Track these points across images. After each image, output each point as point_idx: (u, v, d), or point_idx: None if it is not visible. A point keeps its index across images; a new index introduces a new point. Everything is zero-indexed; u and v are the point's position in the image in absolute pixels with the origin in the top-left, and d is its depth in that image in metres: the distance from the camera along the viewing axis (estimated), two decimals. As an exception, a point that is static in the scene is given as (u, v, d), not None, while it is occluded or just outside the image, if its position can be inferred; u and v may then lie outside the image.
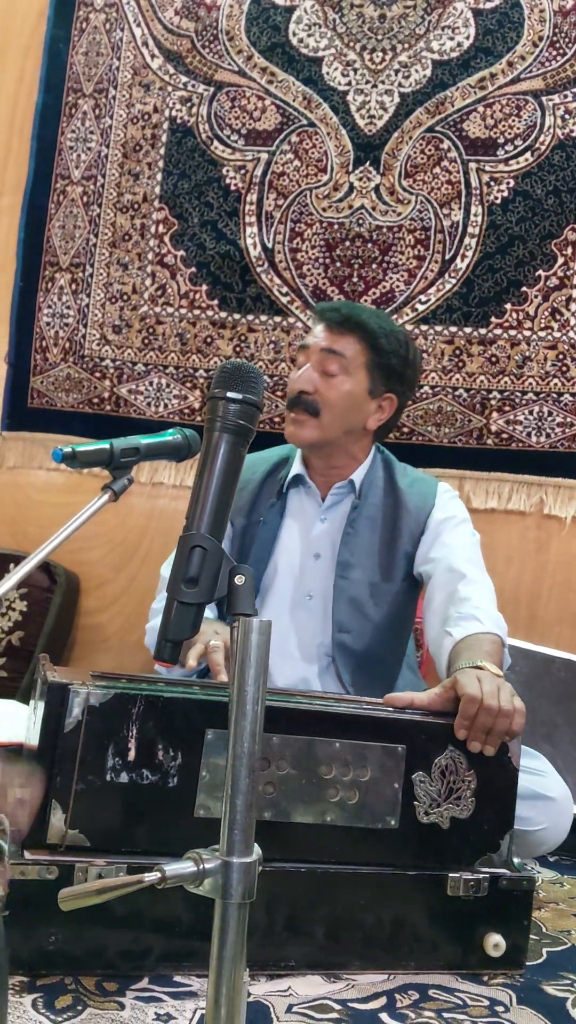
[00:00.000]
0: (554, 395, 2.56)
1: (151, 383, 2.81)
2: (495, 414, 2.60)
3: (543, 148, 2.61)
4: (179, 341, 2.80)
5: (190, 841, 0.89)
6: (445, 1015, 1.21)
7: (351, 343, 1.84)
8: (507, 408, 2.59)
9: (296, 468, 1.94)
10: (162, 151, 2.85)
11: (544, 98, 2.63)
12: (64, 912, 0.91)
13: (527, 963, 1.39)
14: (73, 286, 2.89)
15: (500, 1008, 1.25)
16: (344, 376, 1.83)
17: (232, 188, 2.80)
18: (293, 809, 1.29)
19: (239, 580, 0.94)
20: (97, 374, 2.85)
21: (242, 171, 2.79)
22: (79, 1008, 1.13)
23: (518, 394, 2.59)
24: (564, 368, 2.56)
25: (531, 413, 2.57)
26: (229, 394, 0.94)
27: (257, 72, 2.80)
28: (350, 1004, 1.22)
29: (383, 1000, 1.24)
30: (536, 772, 1.58)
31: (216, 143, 2.81)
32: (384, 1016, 1.20)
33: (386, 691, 1.89)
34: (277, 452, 2.01)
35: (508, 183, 2.63)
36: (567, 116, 2.61)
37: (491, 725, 1.36)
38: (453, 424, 2.62)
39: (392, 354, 1.86)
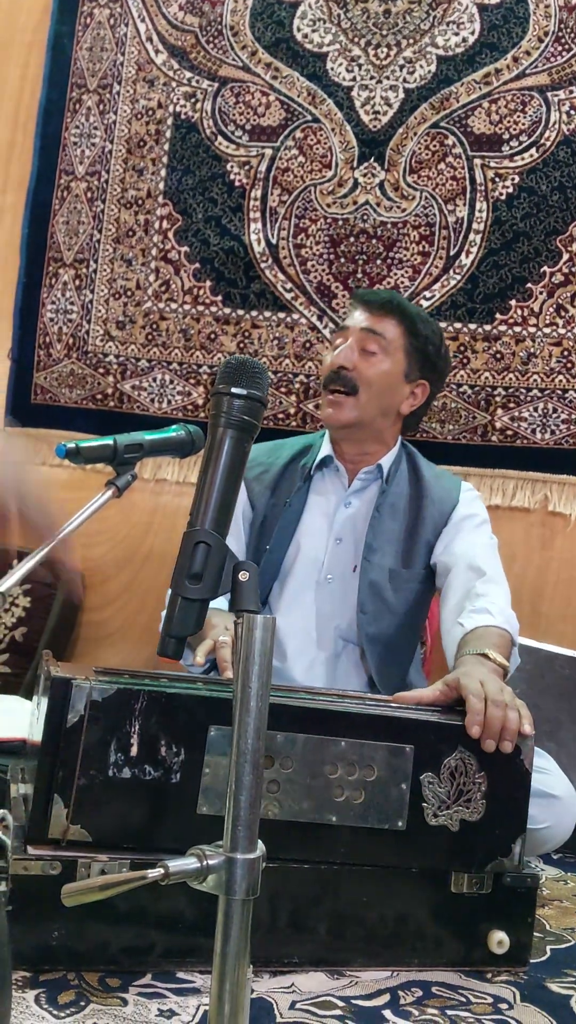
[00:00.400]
0: (559, 392, 2.56)
1: (155, 379, 2.81)
2: (500, 411, 2.59)
3: (548, 144, 2.61)
4: (183, 337, 2.80)
5: (193, 837, 0.89)
6: (448, 1012, 1.21)
7: (391, 325, 1.89)
8: (512, 405, 2.58)
9: (324, 450, 1.96)
10: (166, 147, 2.85)
11: (549, 93, 2.62)
12: (67, 908, 0.91)
13: (531, 960, 1.38)
14: (77, 282, 2.89)
15: (504, 1006, 1.25)
16: (383, 355, 1.88)
17: (236, 184, 2.79)
18: (297, 808, 1.29)
19: (243, 576, 0.94)
20: (101, 370, 2.85)
21: (246, 167, 2.79)
22: (82, 1004, 1.13)
23: (523, 391, 2.58)
24: (569, 365, 2.56)
25: (536, 410, 2.57)
26: (233, 390, 0.94)
27: (261, 67, 2.79)
28: (353, 1001, 1.22)
29: (386, 997, 1.24)
30: (540, 770, 1.58)
31: (220, 139, 2.81)
32: (387, 1013, 1.20)
33: (396, 683, 1.90)
34: (301, 440, 2.04)
35: (513, 179, 2.63)
36: (573, 112, 2.60)
37: (503, 717, 1.35)
38: (457, 421, 2.61)
39: (428, 341, 1.91)
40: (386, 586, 1.86)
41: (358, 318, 1.91)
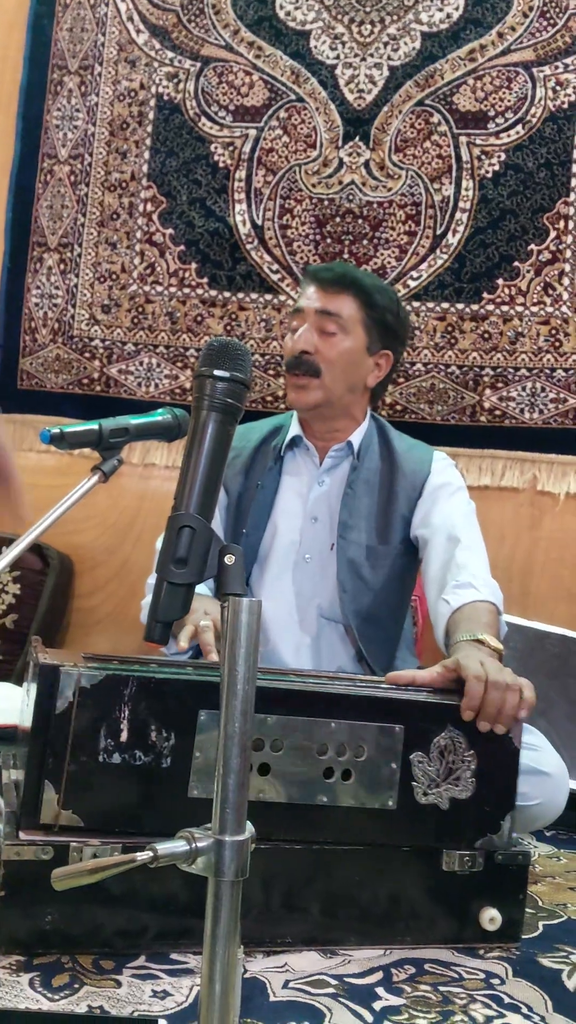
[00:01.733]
0: (547, 371, 2.55)
1: (141, 363, 2.80)
2: (488, 391, 2.59)
3: (534, 120, 2.59)
4: (169, 320, 2.78)
5: (184, 821, 0.89)
6: (441, 989, 1.22)
7: (347, 302, 1.86)
8: (500, 385, 2.58)
9: (293, 430, 1.95)
10: (149, 129, 2.82)
11: (535, 69, 2.60)
12: (60, 892, 0.91)
13: (523, 936, 1.39)
14: (61, 266, 2.87)
15: (496, 981, 1.26)
16: (343, 334, 1.85)
17: (220, 165, 2.77)
18: (288, 790, 1.29)
19: (229, 560, 0.94)
20: (87, 355, 2.84)
21: (230, 148, 2.77)
22: (76, 986, 1.14)
23: (511, 370, 2.58)
24: (557, 343, 2.55)
25: (524, 389, 2.57)
26: (216, 372, 0.93)
27: (244, 47, 2.77)
28: (346, 979, 1.23)
29: (379, 975, 1.25)
30: (531, 747, 1.59)
31: (204, 120, 2.78)
32: (380, 990, 1.20)
33: (384, 659, 1.90)
34: (270, 421, 2.02)
35: (499, 156, 2.61)
36: (558, 88, 2.58)
37: (501, 702, 1.35)
38: (446, 401, 2.61)
39: (387, 310, 1.89)
40: (363, 563, 1.86)
41: (312, 297, 1.87)
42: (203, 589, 1.77)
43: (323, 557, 1.88)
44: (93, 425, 1.31)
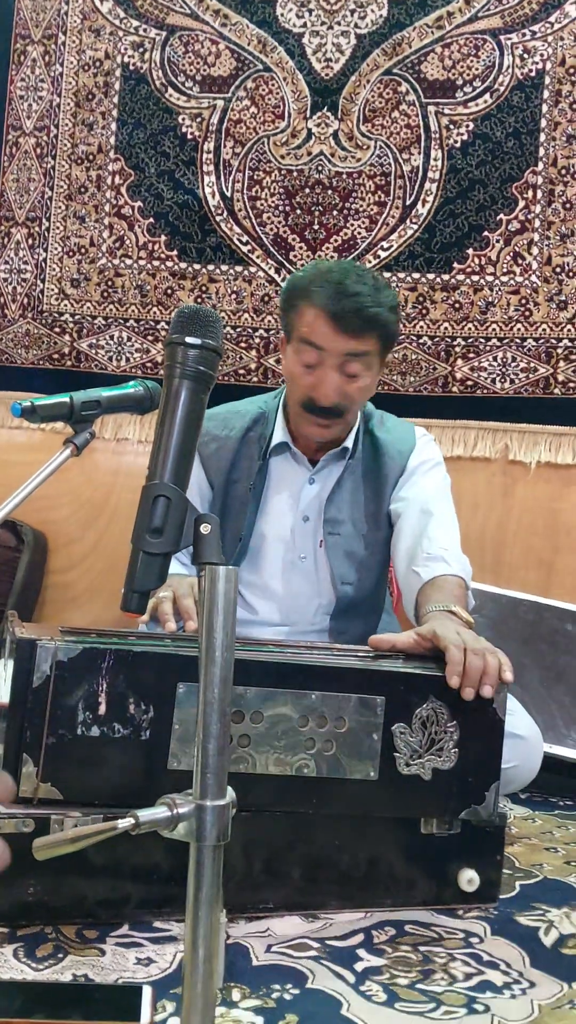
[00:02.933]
0: (517, 340, 2.56)
1: (112, 337, 2.78)
2: (460, 361, 2.60)
3: (502, 89, 2.58)
4: (139, 293, 2.76)
5: (164, 792, 0.89)
6: (421, 949, 1.24)
7: (371, 342, 1.74)
8: (471, 355, 2.59)
9: (279, 436, 1.88)
10: (115, 100, 2.78)
11: (502, 37, 2.59)
12: (42, 863, 0.91)
13: (501, 896, 1.42)
14: (30, 240, 2.83)
15: (475, 940, 1.28)
16: (366, 372, 1.76)
17: (188, 137, 2.74)
18: (269, 761, 1.30)
19: (204, 529, 0.94)
20: (57, 329, 2.81)
21: (198, 119, 2.74)
22: (60, 956, 1.15)
23: (482, 340, 2.59)
24: (527, 313, 2.56)
25: (495, 359, 2.58)
26: (188, 339, 0.92)
27: (210, 15, 2.73)
28: (328, 942, 1.24)
29: (360, 937, 1.27)
30: (506, 711, 1.61)
31: (170, 90, 2.75)
32: (362, 952, 1.22)
33: (370, 634, 1.91)
34: (252, 408, 1.95)
35: (467, 126, 2.61)
36: (526, 55, 2.58)
37: (483, 665, 1.36)
38: (418, 372, 2.61)
39: (397, 333, 1.84)
40: (362, 551, 1.87)
41: (335, 340, 1.71)
42: (183, 569, 1.77)
43: (318, 555, 1.88)
44: (64, 398, 1.30)
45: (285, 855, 1.33)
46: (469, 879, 1.38)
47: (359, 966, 1.18)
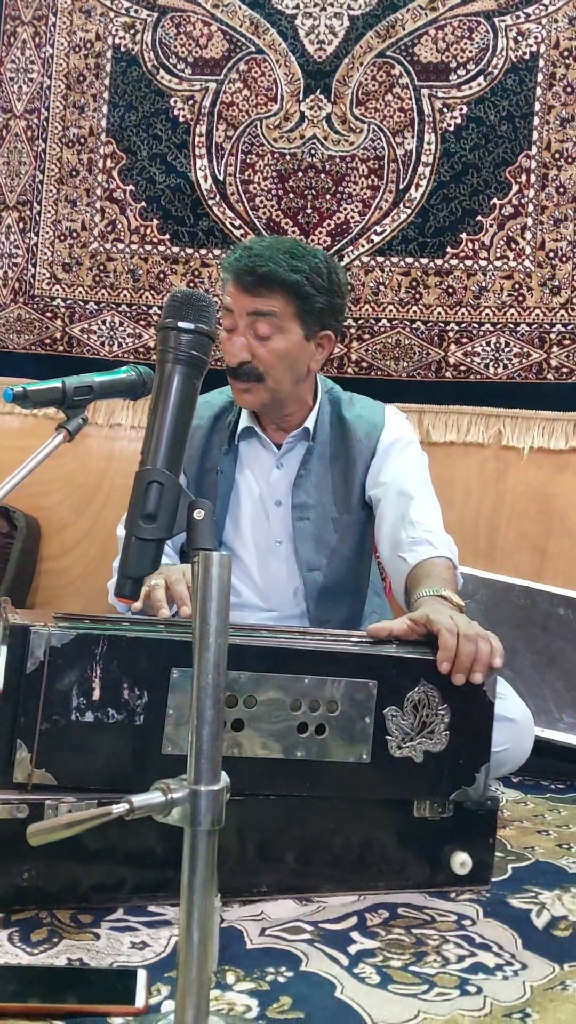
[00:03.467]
0: (511, 325, 2.56)
1: (104, 322, 2.76)
2: (453, 346, 2.59)
3: (496, 72, 2.57)
4: (131, 278, 2.75)
5: (158, 777, 0.90)
6: (414, 931, 1.25)
7: (274, 300, 1.73)
8: (464, 340, 2.59)
9: (245, 420, 1.90)
10: (107, 82, 2.76)
11: (496, 19, 2.57)
12: (37, 849, 0.92)
13: (493, 879, 1.43)
14: (21, 224, 2.81)
15: (467, 922, 1.29)
16: (278, 335, 1.75)
17: (180, 119, 2.72)
18: (263, 745, 1.30)
19: (198, 515, 0.94)
20: (48, 314, 2.80)
21: (190, 102, 2.72)
22: (55, 940, 1.15)
23: (475, 325, 2.58)
24: (520, 298, 2.56)
25: (488, 344, 2.57)
26: (180, 324, 0.92)
27: (202, -4, 2.71)
28: (322, 925, 1.25)
29: (354, 920, 1.28)
30: (498, 695, 1.61)
31: (162, 72, 2.73)
32: (355, 935, 1.23)
33: (355, 620, 1.92)
34: (220, 397, 1.96)
35: (461, 109, 2.59)
36: (520, 38, 2.56)
37: (475, 651, 1.37)
38: (411, 358, 2.61)
39: (318, 294, 1.76)
40: (331, 536, 1.87)
41: (240, 300, 1.75)
42: (166, 559, 1.77)
43: (291, 540, 1.88)
44: (56, 383, 1.30)
45: (279, 839, 1.33)
46: (462, 862, 1.39)
47: (352, 949, 1.19)
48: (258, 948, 1.17)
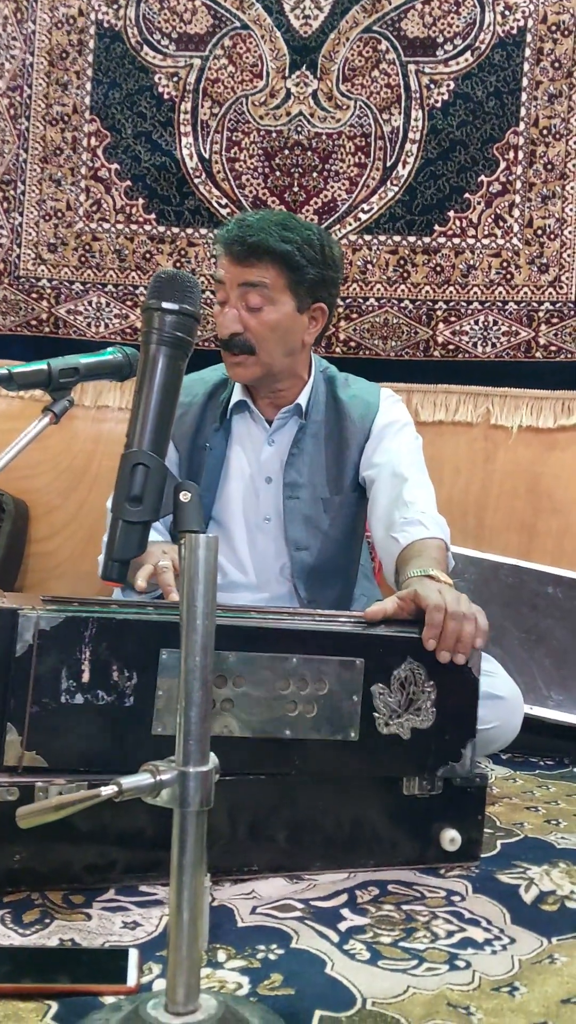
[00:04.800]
0: (499, 304, 2.55)
1: (90, 303, 2.74)
2: (441, 325, 2.58)
3: (483, 47, 2.55)
4: (117, 258, 2.73)
5: (148, 758, 0.90)
6: (404, 907, 1.26)
7: (265, 270, 1.74)
8: (453, 319, 2.58)
9: (238, 395, 1.90)
10: (90, 58, 2.73)
11: (483, -6, 2.55)
12: (28, 831, 0.92)
13: (482, 855, 1.44)
14: (5, 204, 2.79)
15: (457, 898, 1.30)
16: (269, 306, 1.75)
17: (165, 97, 2.70)
18: (252, 725, 1.31)
19: (184, 497, 0.94)
20: (34, 295, 2.77)
21: (175, 78, 2.69)
22: (47, 921, 1.16)
23: (463, 304, 2.57)
24: (508, 276, 2.55)
25: (476, 323, 2.57)
26: (165, 305, 0.92)
27: (185, -30, 2.68)
28: (312, 903, 1.26)
29: (344, 897, 1.29)
30: (487, 673, 1.62)
31: (146, 48, 2.70)
32: (346, 911, 1.24)
33: (345, 602, 1.92)
34: (214, 375, 1.96)
35: (448, 85, 2.57)
36: (507, 12, 2.54)
37: (459, 631, 1.38)
38: (399, 337, 2.60)
39: (309, 265, 1.76)
40: (321, 516, 1.86)
41: (231, 271, 1.76)
42: (158, 536, 1.77)
43: (281, 517, 1.88)
44: (42, 365, 1.29)
45: (269, 818, 1.34)
46: (451, 839, 1.40)
47: (343, 926, 1.19)
48: (249, 926, 1.18)
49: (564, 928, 1.21)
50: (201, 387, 1.94)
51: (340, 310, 2.61)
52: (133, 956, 1.05)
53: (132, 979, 1.01)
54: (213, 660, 0.90)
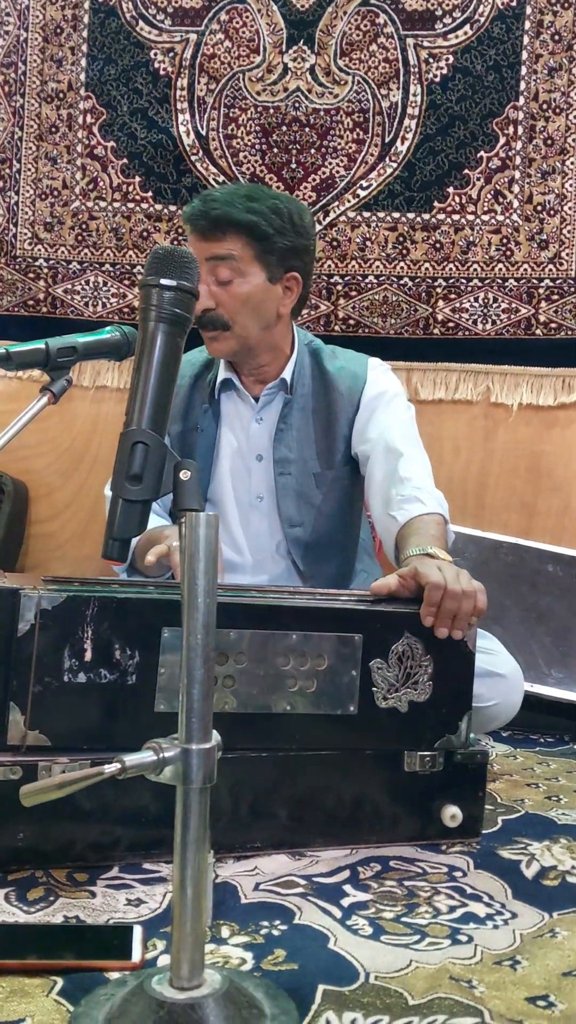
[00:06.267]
0: (499, 280, 2.54)
1: (87, 282, 2.73)
2: (440, 302, 2.57)
3: (482, 20, 2.52)
4: (114, 237, 2.71)
5: (151, 735, 0.90)
6: (406, 883, 1.27)
7: (232, 242, 1.73)
8: (452, 296, 2.57)
9: (224, 373, 1.88)
10: (85, 34, 2.70)
11: (482, -34, 2.52)
12: (32, 809, 0.92)
13: (483, 831, 1.45)
14: (0, 183, 2.76)
15: (458, 874, 1.31)
16: (239, 278, 1.74)
17: (161, 73, 2.67)
18: (253, 700, 1.31)
19: (184, 475, 0.93)
20: (31, 275, 2.76)
21: (171, 54, 2.66)
22: (51, 899, 1.16)
23: (463, 281, 2.56)
24: (508, 253, 2.54)
25: (476, 300, 2.55)
26: (163, 281, 0.91)
27: (181, -57, 2.64)
28: (315, 879, 1.27)
29: (346, 873, 1.29)
30: (487, 651, 1.63)
31: (142, 24, 2.67)
32: (348, 887, 1.25)
33: (345, 578, 1.92)
34: (201, 356, 1.94)
35: (447, 59, 2.55)
36: (506, -15, 2.51)
37: (457, 608, 1.38)
38: (399, 315, 2.59)
39: (277, 234, 1.74)
40: (313, 492, 1.85)
41: (198, 246, 1.74)
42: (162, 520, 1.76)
43: (274, 494, 1.87)
44: (40, 344, 1.28)
45: (271, 795, 1.34)
46: (452, 815, 1.41)
47: (345, 901, 1.20)
48: (252, 902, 1.19)
49: (565, 903, 1.22)
50: (188, 369, 1.93)
51: (339, 288, 2.60)
52: (137, 932, 1.06)
53: (136, 955, 1.02)
54: (214, 638, 0.90)
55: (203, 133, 2.65)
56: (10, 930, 1.08)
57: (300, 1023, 0.91)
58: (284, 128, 2.62)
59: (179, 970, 0.88)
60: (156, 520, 1.73)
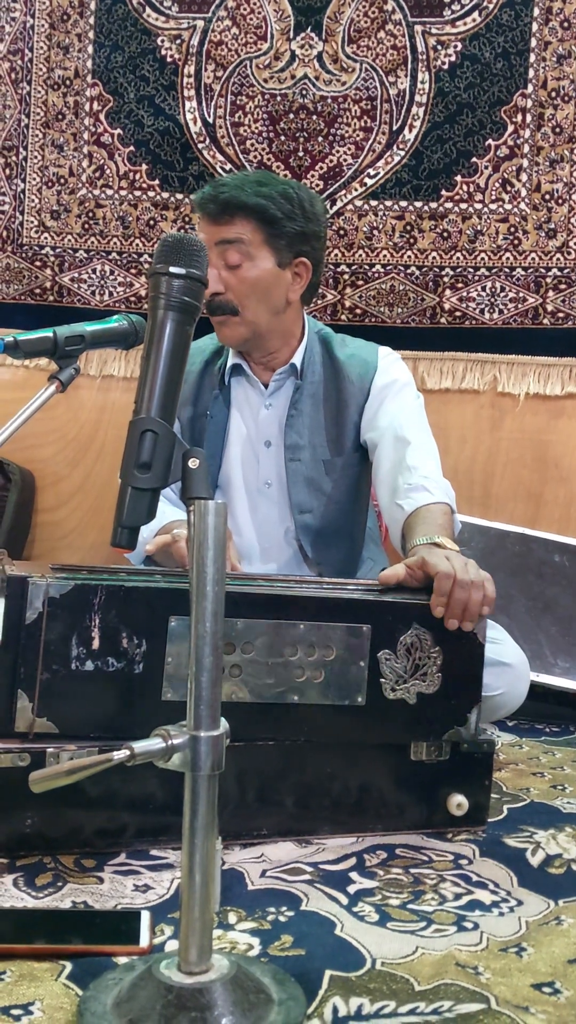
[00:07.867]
0: (506, 270, 2.53)
1: (94, 270, 2.73)
2: (448, 292, 2.56)
3: (491, 7, 2.51)
4: (120, 225, 2.70)
5: (159, 724, 0.91)
6: (412, 871, 1.27)
7: (241, 226, 1.73)
8: (460, 285, 2.56)
9: (233, 358, 1.89)
10: (91, 20, 2.69)
11: (491, -48, 2.50)
12: (39, 796, 0.93)
13: (489, 820, 1.45)
14: (7, 171, 2.76)
15: (464, 861, 1.32)
16: (248, 262, 1.74)
17: (168, 60, 2.66)
18: (260, 690, 1.32)
19: (193, 463, 0.94)
20: (37, 263, 2.75)
21: (178, 41, 2.65)
22: (59, 884, 1.17)
23: (470, 270, 2.55)
24: (516, 242, 2.53)
25: (484, 289, 2.55)
26: (172, 269, 0.91)
27: None
28: (321, 866, 1.27)
29: (353, 861, 1.30)
30: (494, 640, 1.62)
31: (148, 10, 2.66)
32: (354, 875, 1.25)
33: (351, 565, 1.92)
34: (211, 342, 1.95)
35: (455, 47, 2.53)
36: (515, -29, 2.49)
37: (467, 598, 1.38)
38: (406, 304, 2.58)
39: (286, 219, 1.74)
40: (323, 478, 1.85)
41: (207, 230, 1.75)
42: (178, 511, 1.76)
43: (283, 481, 1.87)
44: (47, 332, 1.29)
45: (278, 783, 1.35)
46: (458, 803, 1.41)
47: (351, 888, 1.21)
48: (259, 889, 1.19)
49: (570, 890, 1.22)
50: (198, 355, 1.93)
51: (346, 277, 2.60)
52: (145, 918, 1.07)
53: (144, 940, 1.02)
54: (223, 627, 0.90)
55: (210, 121, 2.65)
56: (19, 915, 1.09)
57: (307, 1008, 0.92)
58: (291, 116, 2.61)
59: (187, 955, 0.89)
60: (176, 513, 1.73)
